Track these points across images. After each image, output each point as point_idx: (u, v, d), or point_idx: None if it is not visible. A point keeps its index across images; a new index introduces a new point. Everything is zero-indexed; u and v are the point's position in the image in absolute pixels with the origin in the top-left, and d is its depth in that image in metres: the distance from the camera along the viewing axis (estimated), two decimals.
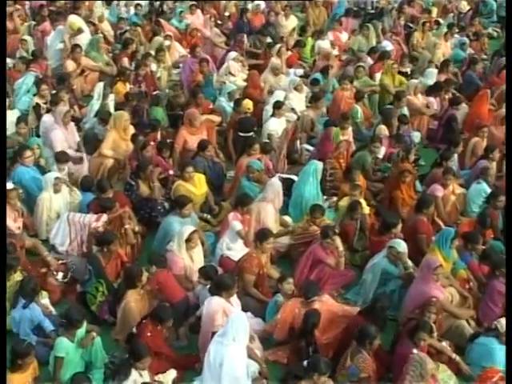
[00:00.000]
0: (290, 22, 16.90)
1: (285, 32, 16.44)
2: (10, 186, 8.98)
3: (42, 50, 14.74)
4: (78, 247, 8.70)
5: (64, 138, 10.80)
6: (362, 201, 9.63)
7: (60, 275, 8.30)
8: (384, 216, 9.27)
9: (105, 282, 8.01)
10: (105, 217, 8.63)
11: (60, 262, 8.48)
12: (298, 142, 11.37)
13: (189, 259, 8.39)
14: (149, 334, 7.10)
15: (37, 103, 11.72)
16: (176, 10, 17.48)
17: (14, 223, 8.85)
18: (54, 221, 9.34)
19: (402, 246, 8.39)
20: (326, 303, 7.71)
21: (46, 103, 11.65)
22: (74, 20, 14.88)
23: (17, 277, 7.85)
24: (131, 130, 11.11)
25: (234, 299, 7.66)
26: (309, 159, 11.01)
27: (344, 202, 9.70)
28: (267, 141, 11.21)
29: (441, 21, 18.44)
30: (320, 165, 10.08)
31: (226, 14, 17.66)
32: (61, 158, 10.01)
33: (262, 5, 18.04)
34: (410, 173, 9.99)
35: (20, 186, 9.45)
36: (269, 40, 15.62)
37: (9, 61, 14.21)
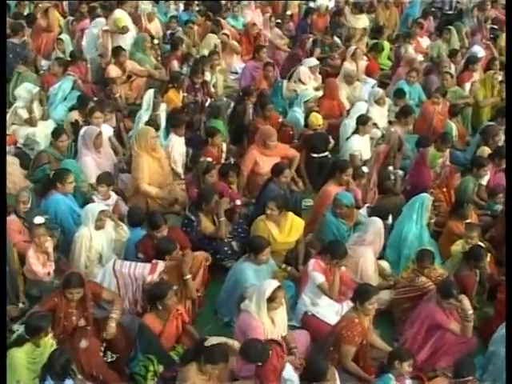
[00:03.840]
0: (361, 22, 14.81)
1: (354, 33, 14.32)
2: (39, 220, 7.14)
3: (82, 51, 12.83)
4: (131, 306, 6.73)
5: (96, 165, 8.96)
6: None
7: (109, 355, 6.30)
8: None
9: (157, 357, 6.11)
10: (161, 265, 6.68)
11: None
12: (392, 166, 9.32)
13: (270, 322, 6.43)
14: None
15: (76, 120, 9.87)
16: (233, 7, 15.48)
17: (42, 268, 7.04)
18: (95, 263, 7.48)
19: None
20: None
21: (85, 121, 9.72)
22: (121, 16, 12.98)
23: (47, 342, 5.99)
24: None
25: None
26: (403, 188, 9.11)
27: (458, 247, 7.74)
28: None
29: None
30: (429, 199, 8.14)
31: (288, 13, 15.62)
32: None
33: (330, 4, 16.03)
34: None
35: (54, 220, 7.69)
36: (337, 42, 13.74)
37: (43, 63, 12.50)
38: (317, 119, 10.08)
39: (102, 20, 13.30)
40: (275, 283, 6.46)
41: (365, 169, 8.79)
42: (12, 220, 7.52)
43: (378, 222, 7.64)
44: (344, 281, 7.28)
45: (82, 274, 6.56)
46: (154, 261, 6.76)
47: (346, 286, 7.28)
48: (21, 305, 7.05)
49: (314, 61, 12.12)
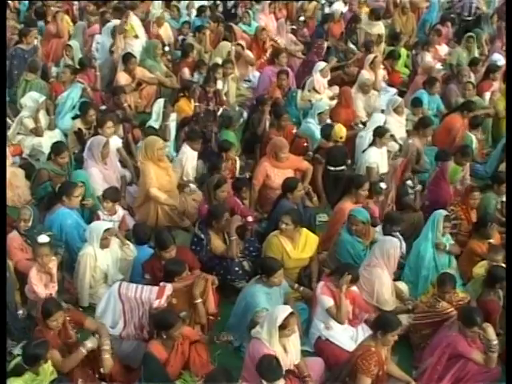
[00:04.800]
0: (375, 29, 14.33)
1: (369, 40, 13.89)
2: (43, 239, 6.82)
3: (91, 57, 12.42)
4: (136, 331, 6.37)
5: (103, 176, 8.65)
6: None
7: None
8: None
9: None
10: (169, 288, 6.33)
11: None
12: (410, 180, 8.94)
13: (282, 350, 6.04)
14: None
15: (79, 129, 9.55)
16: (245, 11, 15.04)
17: (44, 289, 6.71)
18: (100, 283, 7.22)
19: None
20: None
21: (89, 129, 9.47)
22: (132, 22, 12.66)
23: (47, 369, 5.67)
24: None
25: None
26: (422, 203, 8.75)
27: (481, 270, 7.35)
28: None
29: None
30: (440, 215, 7.76)
31: (301, 18, 15.20)
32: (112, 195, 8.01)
33: (344, 10, 15.64)
34: None
35: (59, 235, 7.42)
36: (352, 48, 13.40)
37: (53, 70, 12.27)
38: (340, 131, 9.67)
39: (112, 23, 13.01)
40: (287, 309, 6.09)
41: (383, 185, 8.41)
42: (13, 237, 7.25)
43: (388, 241, 7.25)
44: (357, 303, 6.96)
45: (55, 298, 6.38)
46: (161, 284, 6.41)
47: (360, 308, 6.96)
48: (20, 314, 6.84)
49: (323, 64, 11.74)
